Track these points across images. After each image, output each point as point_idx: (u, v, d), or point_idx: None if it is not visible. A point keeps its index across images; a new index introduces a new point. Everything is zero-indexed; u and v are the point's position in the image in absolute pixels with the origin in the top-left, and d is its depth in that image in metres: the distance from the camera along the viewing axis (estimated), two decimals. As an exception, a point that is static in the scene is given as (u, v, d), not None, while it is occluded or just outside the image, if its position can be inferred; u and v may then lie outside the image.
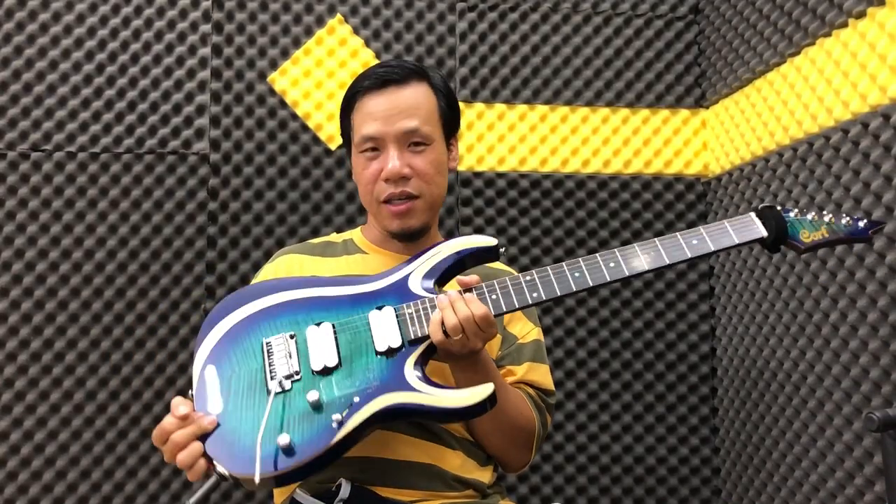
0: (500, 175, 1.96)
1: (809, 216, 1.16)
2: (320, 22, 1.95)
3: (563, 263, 1.15)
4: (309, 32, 1.94)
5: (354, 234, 1.40)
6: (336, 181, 1.91)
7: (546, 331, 1.92)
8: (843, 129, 1.49)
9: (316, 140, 1.91)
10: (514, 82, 1.99)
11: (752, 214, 1.16)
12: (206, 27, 1.90)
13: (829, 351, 1.52)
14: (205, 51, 1.89)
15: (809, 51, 1.62)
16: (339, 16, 1.95)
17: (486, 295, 1.13)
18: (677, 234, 1.16)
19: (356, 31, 1.95)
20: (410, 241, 1.31)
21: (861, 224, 1.14)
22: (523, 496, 1.89)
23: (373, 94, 1.29)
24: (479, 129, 1.97)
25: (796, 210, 1.16)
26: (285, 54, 1.93)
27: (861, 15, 1.45)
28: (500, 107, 1.98)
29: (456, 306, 1.10)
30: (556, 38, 2.01)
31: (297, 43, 1.93)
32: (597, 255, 1.16)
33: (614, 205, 1.99)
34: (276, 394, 1.09)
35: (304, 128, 1.92)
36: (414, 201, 1.27)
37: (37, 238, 1.81)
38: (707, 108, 2.04)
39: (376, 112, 1.27)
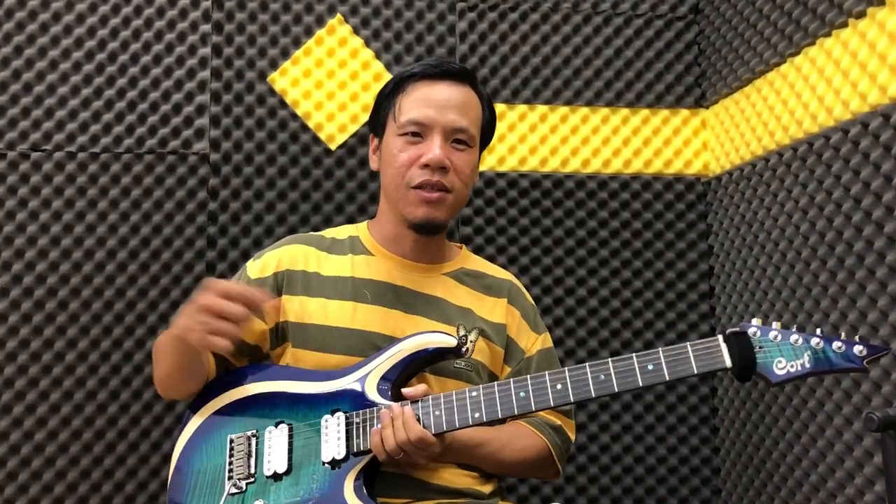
0: (500, 175, 1.96)
1: (793, 338, 1.02)
2: (320, 22, 1.95)
3: (511, 381, 1.13)
4: (309, 32, 1.94)
5: (361, 232, 1.38)
6: (336, 181, 1.91)
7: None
8: (843, 129, 1.49)
9: (316, 140, 1.91)
10: (514, 82, 1.99)
11: (720, 339, 1.06)
12: (206, 27, 1.90)
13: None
14: (205, 51, 1.89)
15: (809, 51, 1.62)
16: (339, 16, 1.95)
17: (430, 410, 1.13)
18: (633, 356, 1.09)
19: (356, 31, 1.95)
20: (427, 234, 1.30)
21: (856, 350, 1.00)
22: (523, 496, 1.89)
23: (429, 81, 1.29)
24: (479, 129, 1.97)
25: (776, 332, 1.03)
26: (285, 54, 1.93)
27: (861, 15, 1.45)
28: (500, 107, 1.98)
29: (395, 425, 1.11)
30: (556, 38, 2.01)
31: (297, 43, 1.93)
32: (545, 374, 1.12)
33: (614, 205, 1.99)
34: (231, 494, 1.15)
35: (304, 128, 1.92)
36: (446, 194, 1.26)
37: (37, 238, 1.81)
38: (707, 108, 2.04)
39: (431, 99, 1.27)
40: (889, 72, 1.37)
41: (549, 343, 1.42)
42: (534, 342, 1.38)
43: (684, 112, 2.05)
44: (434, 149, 1.24)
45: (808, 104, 1.60)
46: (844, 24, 1.50)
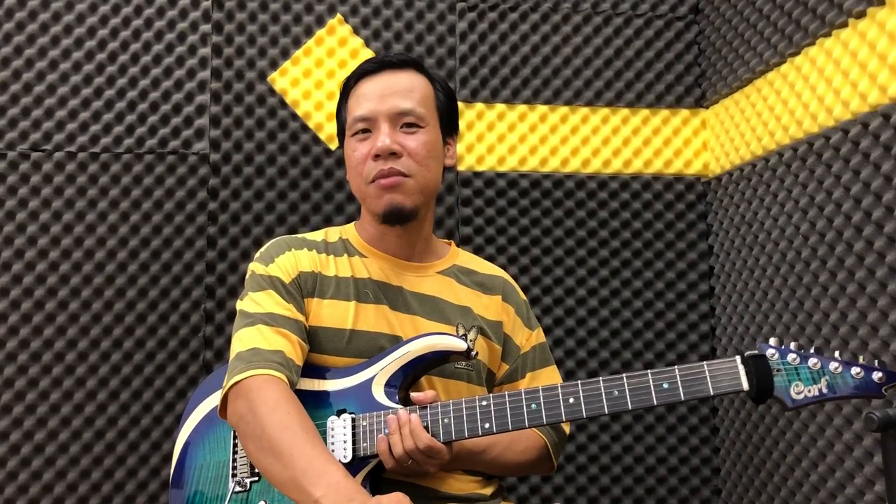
0: (500, 175, 1.96)
1: (811, 361, 1.02)
2: (320, 22, 1.95)
3: (522, 391, 1.12)
4: (309, 32, 1.94)
5: (349, 234, 1.36)
6: (336, 181, 1.91)
7: (546, 331, 1.91)
8: (843, 129, 1.49)
9: (316, 140, 1.91)
10: (514, 82, 1.99)
11: (738, 360, 1.05)
12: (206, 27, 1.90)
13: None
14: (205, 51, 1.89)
15: (809, 51, 1.62)
16: (339, 16, 1.95)
17: (439, 417, 1.12)
18: (648, 373, 1.07)
19: (356, 31, 1.95)
20: (398, 224, 1.27)
21: (875, 377, 1.00)
22: (523, 496, 1.89)
23: (368, 77, 1.28)
24: (479, 129, 1.97)
25: (795, 354, 1.02)
26: (285, 54, 1.93)
27: (861, 15, 1.45)
28: (500, 107, 1.98)
29: (402, 432, 1.09)
30: (556, 38, 2.01)
31: (297, 43, 1.93)
32: (557, 386, 1.10)
33: (614, 205, 1.99)
34: (235, 492, 1.14)
35: (304, 128, 1.92)
36: (403, 178, 1.23)
37: (37, 238, 1.81)
38: (707, 108, 2.04)
39: (370, 93, 1.26)
40: (889, 72, 1.37)
41: (542, 338, 1.42)
42: (528, 338, 1.38)
43: (684, 112, 2.05)
44: (382, 138, 1.22)
45: (808, 104, 1.60)
46: (844, 24, 1.50)
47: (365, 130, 1.25)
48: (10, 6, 1.85)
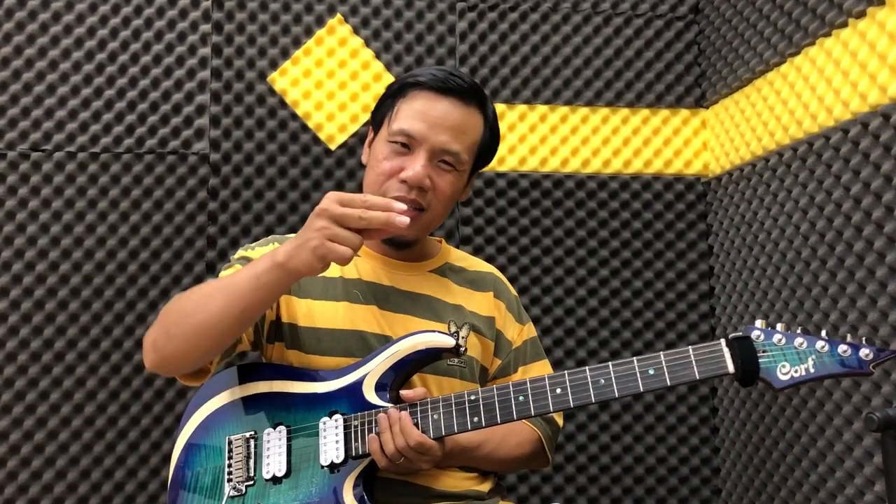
0: (500, 175, 1.96)
1: (797, 341, 1.01)
2: (320, 22, 1.95)
3: (510, 384, 1.12)
4: (309, 32, 1.94)
5: None
6: (336, 181, 1.91)
7: (546, 331, 1.92)
8: (843, 129, 1.49)
9: (316, 140, 1.91)
10: (514, 82, 1.99)
11: (723, 343, 1.04)
12: (206, 27, 1.90)
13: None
14: (205, 51, 1.89)
15: (809, 51, 1.62)
16: (339, 16, 1.95)
17: (429, 414, 1.12)
18: (633, 360, 1.07)
19: (356, 31, 1.95)
20: (393, 248, 1.30)
21: (862, 353, 0.98)
22: (523, 496, 1.89)
23: (432, 93, 1.24)
24: (479, 129, 1.97)
25: (780, 335, 1.01)
26: (285, 54, 1.93)
27: (861, 15, 1.45)
28: (500, 107, 1.98)
29: (393, 431, 1.09)
30: (556, 38, 2.01)
31: (297, 43, 1.93)
32: (544, 377, 1.10)
33: (614, 205, 1.99)
34: (230, 497, 1.15)
35: (304, 128, 1.92)
36: (420, 213, 1.24)
37: (37, 238, 1.81)
38: (707, 108, 2.04)
39: (428, 114, 1.22)
40: (889, 72, 1.37)
41: (533, 332, 1.42)
42: (519, 332, 1.38)
43: (684, 112, 2.05)
44: (416, 166, 1.21)
45: (808, 104, 1.60)
46: (844, 24, 1.50)
47: (404, 145, 1.23)
48: (9, 6, 1.85)
